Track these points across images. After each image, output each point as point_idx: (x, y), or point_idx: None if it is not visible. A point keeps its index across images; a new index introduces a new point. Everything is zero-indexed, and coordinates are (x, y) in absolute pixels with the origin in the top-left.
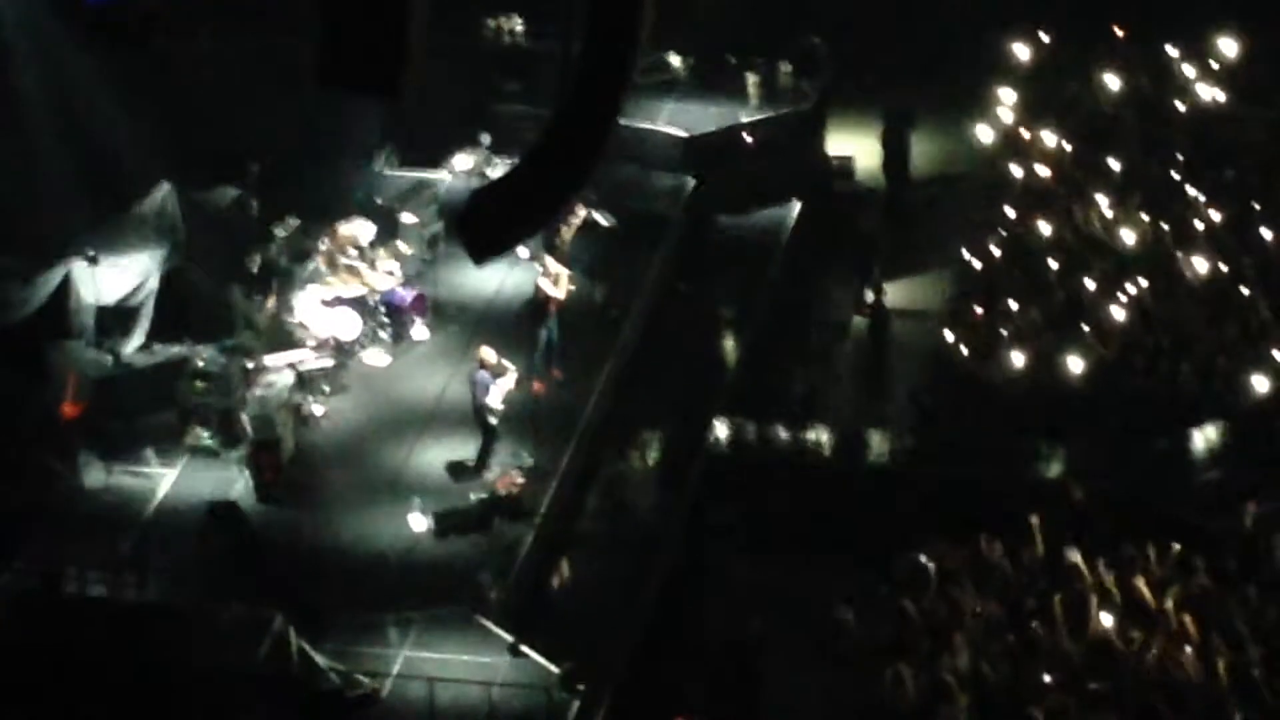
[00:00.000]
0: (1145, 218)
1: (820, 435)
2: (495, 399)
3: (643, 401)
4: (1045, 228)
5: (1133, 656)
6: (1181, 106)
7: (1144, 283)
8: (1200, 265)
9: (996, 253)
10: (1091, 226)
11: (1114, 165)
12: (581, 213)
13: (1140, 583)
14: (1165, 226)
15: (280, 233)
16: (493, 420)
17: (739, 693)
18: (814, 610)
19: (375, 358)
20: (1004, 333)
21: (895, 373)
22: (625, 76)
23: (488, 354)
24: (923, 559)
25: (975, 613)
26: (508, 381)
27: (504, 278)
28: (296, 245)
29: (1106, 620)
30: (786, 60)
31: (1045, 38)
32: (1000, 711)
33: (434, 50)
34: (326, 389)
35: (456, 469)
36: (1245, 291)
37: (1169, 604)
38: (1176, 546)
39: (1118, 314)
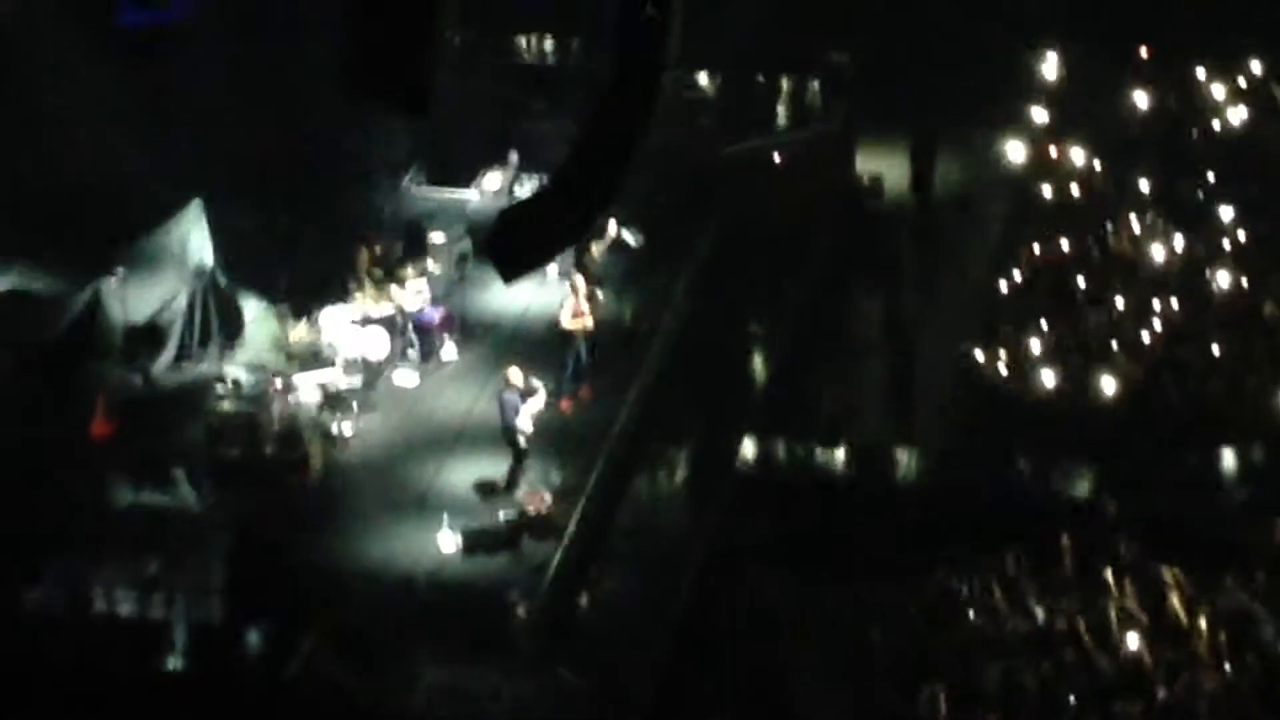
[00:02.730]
0: (1174, 236)
1: (848, 454)
2: (524, 418)
3: (671, 420)
4: (1074, 246)
5: (1163, 676)
6: (1209, 124)
7: (1173, 301)
8: (1229, 283)
9: (1026, 271)
10: (1120, 245)
11: (1143, 184)
12: (610, 231)
13: (1172, 601)
14: (1194, 245)
15: (309, 251)
16: (521, 440)
17: (767, 712)
18: (842, 629)
19: (404, 377)
20: (1034, 351)
21: (924, 392)
22: (653, 95)
23: (516, 373)
24: (952, 578)
25: (1005, 632)
26: (536, 401)
27: (533, 296)
28: (325, 264)
29: (1136, 640)
30: (815, 79)
31: (1073, 56)
32: None
33: (463, 69)
34: (355, 408)
35: (485, 488)
36: (1274, 309)
37: (1200, 623)
38: (1207, 565)
39: (1147, 333)
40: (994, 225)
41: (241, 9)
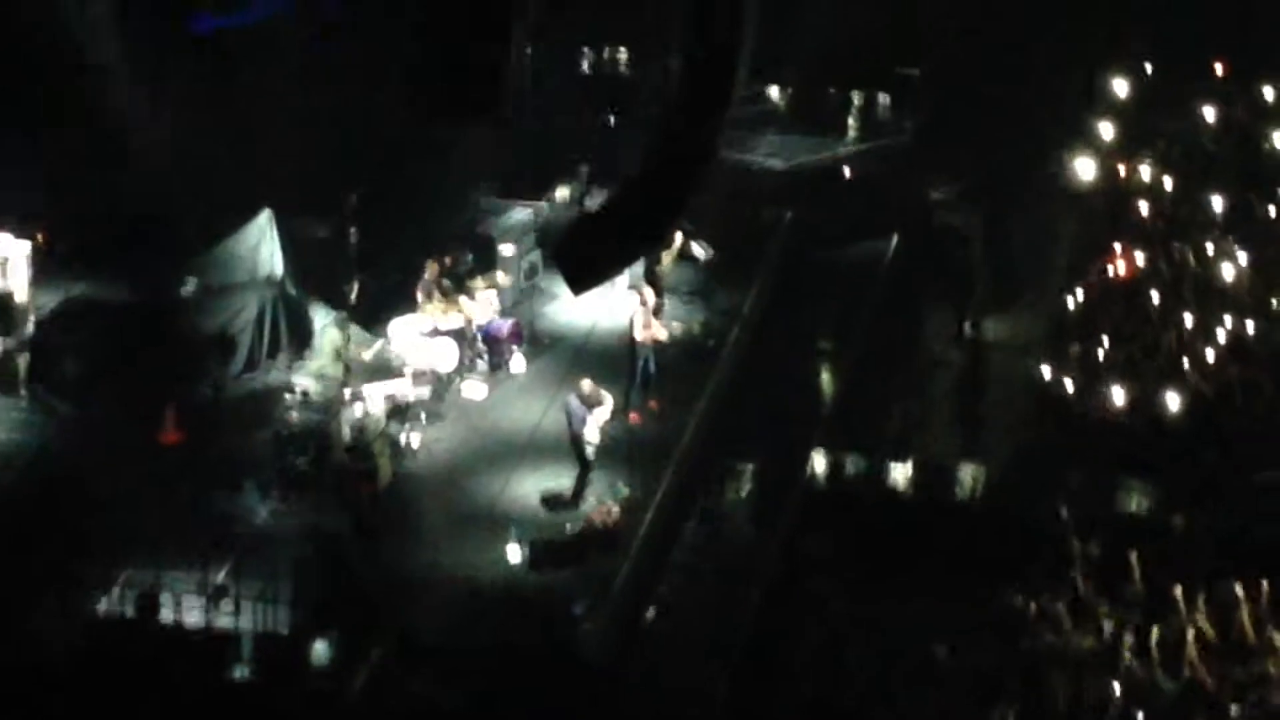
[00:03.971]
0: (1243, 253)
1: (916, 469)
2: (591, 430)
3: (739, 433)
4: (1144, 262)
5: (1233, 694)
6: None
7: (1246, 319)
8: None
9: (1095, 287)
10: (1190, 262)
11: (1213, 201)
12: (679, 243)
13: (1241, 618)
14: (1265, 262)
15: (379, 263)
16: (589, 451)
17: None
18: (910, 645)
19: (472, 389)
20: (1103, 368)
21: (992, 407)
22: (723, 108)
23: (584, 384)
24: (1020, 594)
25: (1074, 649)
26: (604, 412)
27: (601, 308)
28: (395, 276)
29: (1206, 657)
30: (885, 93)
31: (1142, 72)
32: None
33: (536, 81)
34: (423, 419)
35: (552, 500)
36: None
37: (1271, 639)
38: (1277, 582)
39: (1215, 350)
40: (1063, 241)
41: (316, 18)
